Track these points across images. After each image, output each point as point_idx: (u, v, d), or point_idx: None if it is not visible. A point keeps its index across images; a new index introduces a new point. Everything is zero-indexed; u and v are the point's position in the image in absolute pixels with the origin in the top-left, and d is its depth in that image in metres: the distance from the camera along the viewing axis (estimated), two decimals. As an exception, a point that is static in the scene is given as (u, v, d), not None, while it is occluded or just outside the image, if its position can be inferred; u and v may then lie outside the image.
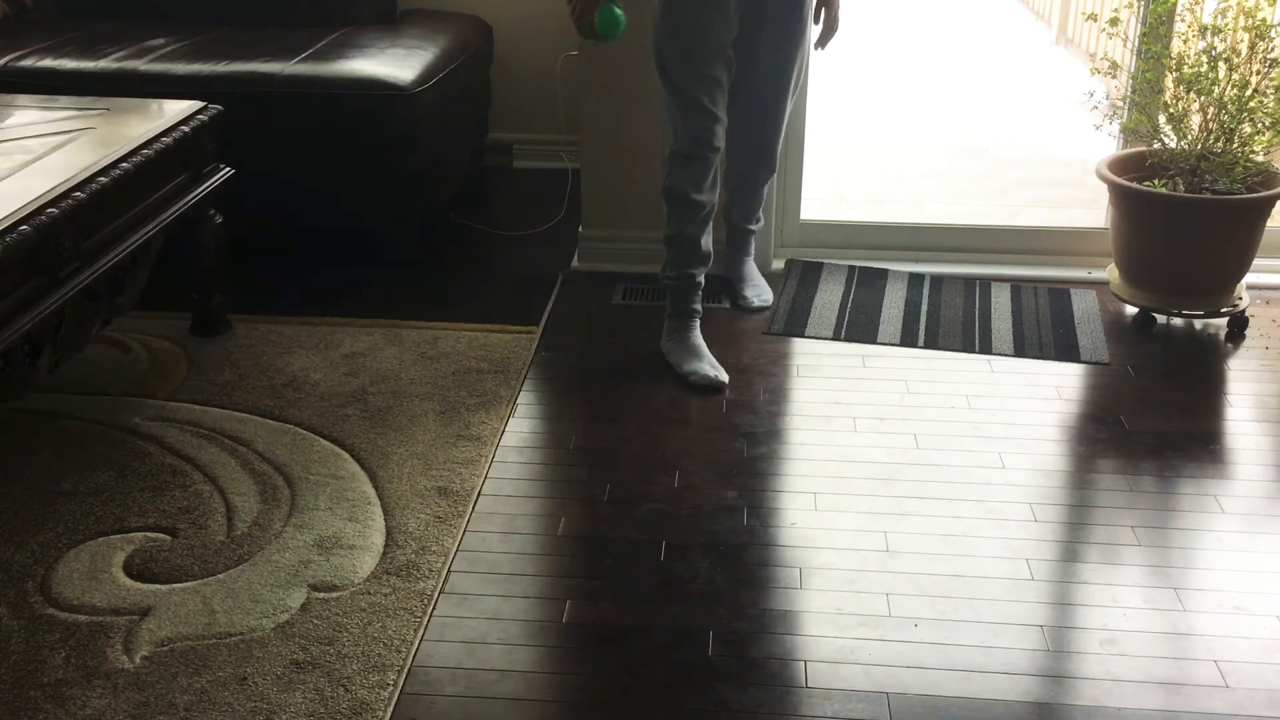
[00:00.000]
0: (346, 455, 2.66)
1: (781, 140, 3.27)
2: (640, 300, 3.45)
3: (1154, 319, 3.30)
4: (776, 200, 3.61)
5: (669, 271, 3.10)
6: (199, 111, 3.01)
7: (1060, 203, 4.46)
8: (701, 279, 3.11)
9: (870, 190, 4.63)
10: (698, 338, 3.09)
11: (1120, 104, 3.41)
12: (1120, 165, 3.34)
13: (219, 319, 3.21)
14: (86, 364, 2.99)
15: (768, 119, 3.18)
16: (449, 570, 2.31)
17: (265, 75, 3.50)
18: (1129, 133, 3.40)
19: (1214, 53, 3.17)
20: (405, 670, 2.05)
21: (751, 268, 3.49)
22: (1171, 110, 3.24)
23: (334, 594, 2.22)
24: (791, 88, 3.16)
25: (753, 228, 3.44)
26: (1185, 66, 3.20)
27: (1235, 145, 3.18)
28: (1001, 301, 3.43)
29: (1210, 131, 3.20)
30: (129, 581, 2.26)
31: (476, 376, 3.00)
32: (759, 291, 3.43)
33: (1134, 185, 3.23)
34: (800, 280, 3.55)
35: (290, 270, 3.62)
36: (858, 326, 3.29)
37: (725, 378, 2.98)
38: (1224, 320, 3.29)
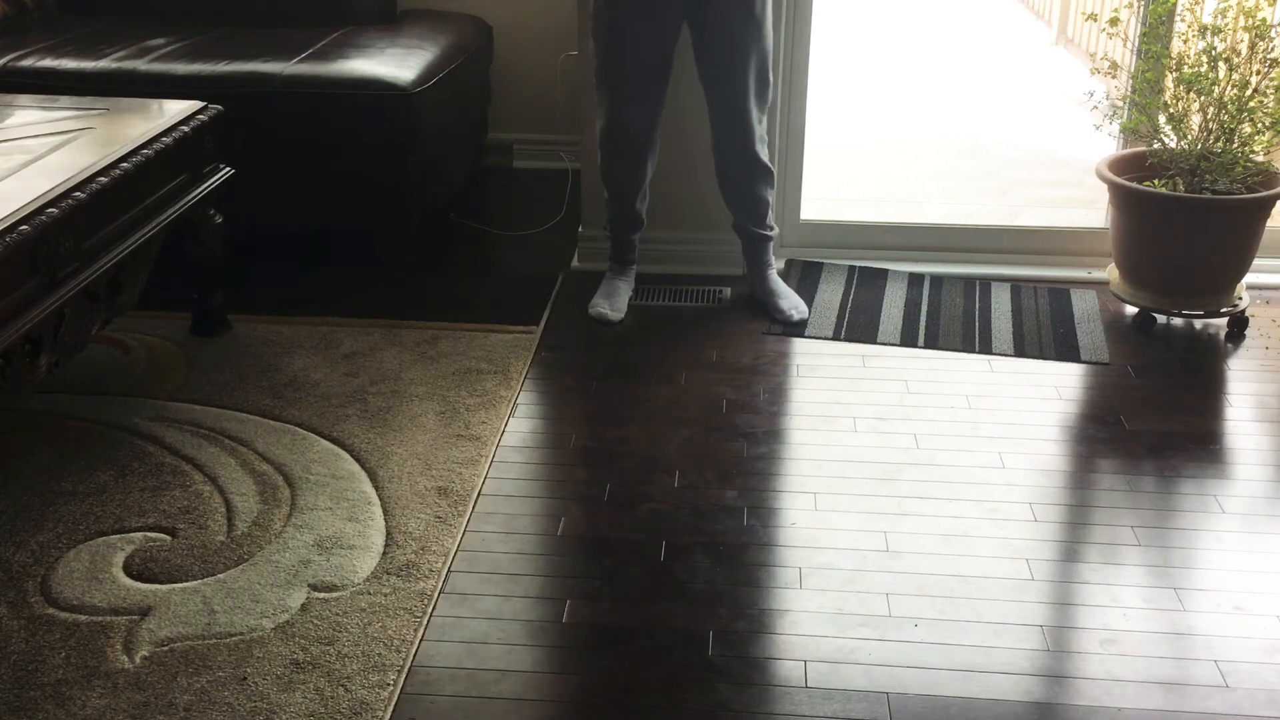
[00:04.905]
0: (346, 455, 2.66)
1: (759, 143, 3.26)
2: (640, 300, 3.45)
3: (1154, 319, 3.30)
4: (776, 200, 3.60)
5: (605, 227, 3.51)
6: (199, 111, 3.01)
7: (1060, 203, 4.46)
8: (630, 237, 3.46)
9: (870, 190, 4.63)
10: (613, 281, 3.45)
11: (1120, 104, 3.41)
12: (1120, 165, 3.34)
13: (219, 319, 3.21)
14: (86, 364, 2.99)
15: (730, 121, 3.22)
16: (449, 570, 2.31)
17: (265, 75, 3.50)
18: (1129, 133, 3.40)
19: (1214, 53, 3.17)
20: (405, 670, 2.05)
21: (776, 281, 3.42)
22: (1171, 110, 3.24)
23: (334, 594, 2.22)
24: (750, 89, 3.17)
25: (764, 232, 3.40)
26: (1185, 66, 3.20)
27: (1235, 145, 3.18)
28: (1001, 301, 3.43)
29: (1210, 131, 3.20)
30: (129, 581, 2.26)
31: (476, 376, 3.00)
32: (794, 303, 3.35)
33: (1134, 185, 3.23)
34: (800, 280, 3.55)
35: (290, 270, 3.62)
36: (858, 326, 3.29)
37: (617, 318, 3.34)
38: (1224, 320, 3.29)
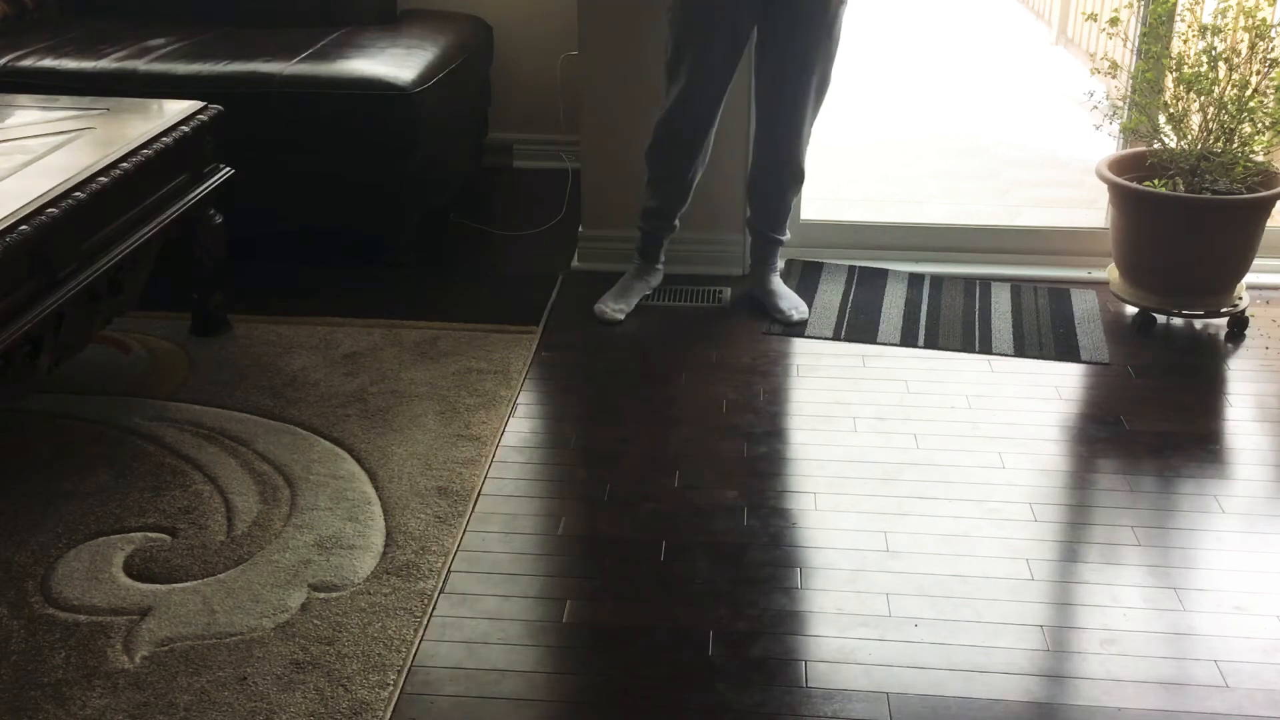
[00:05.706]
0: (346, 455, 2.66)
1: (803, 150, 3.26)
2: (640, 300, 3.44)
3: (1154, 319, 3.30)
4: (776, 200, 3.61)
5: (638, 221, 3.43)
6: (199, 111, 3.01)
7: (1060, 203, 4.45)
8: (658, 235, 3.41)
9: (870, 190, 4.63)
10: (631, 280, 3.42)
11: (1120, 104, 3.41)
12: (1120, 165, 3.34)
13: (219, 319, 3.21)
14: (86, 364, 2.99)
15: (779, 123, 3.21)
16: (449, 570, 2.31)
17: (265, 75, 3.50)
18: (1129, 133, 3.40)
19: (1214, 53, 3.17)
20: (405, 670, 2.05)
21: (777, 282, 3.41)
22: (1171, 110, 3.24)
23: (334, 594, 2.22)
24: (810, 96, 3.16)
25: (778, 237, 3.40)
26: (1185, 66, 3.20)
27: (1235, 145, 3.18)
28: (1001, 301, 3.43)
29: (1210, 131, 3.20)
30: (129, 581, 2.26)
31: (476, 376, 3.00)
32: (794, 303, 3.35)
33: (1134, 185, 3.23)
34: (800, 280, 3.55)
35: (290, 270, 3.62)
36: (858, 326, 3.29)
37: (618, 318, 3.31)
38: (1224, 320, 3.28)
